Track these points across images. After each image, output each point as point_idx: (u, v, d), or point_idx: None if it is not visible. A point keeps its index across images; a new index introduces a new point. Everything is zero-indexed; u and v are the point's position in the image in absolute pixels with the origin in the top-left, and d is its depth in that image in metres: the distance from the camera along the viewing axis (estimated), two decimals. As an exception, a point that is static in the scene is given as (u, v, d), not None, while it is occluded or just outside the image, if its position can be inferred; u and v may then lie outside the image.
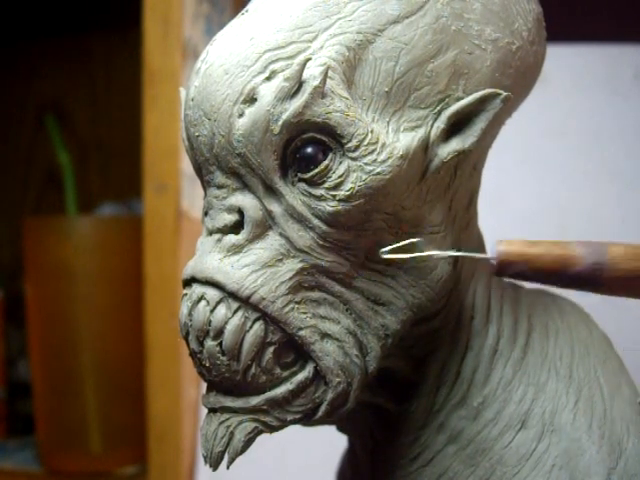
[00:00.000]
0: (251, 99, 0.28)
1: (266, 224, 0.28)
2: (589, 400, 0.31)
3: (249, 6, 0.30)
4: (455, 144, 0.29)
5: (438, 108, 0.29)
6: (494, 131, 0.33)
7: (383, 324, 0.30)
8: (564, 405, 0.31)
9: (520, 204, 0.69)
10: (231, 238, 0.29)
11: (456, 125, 0.29)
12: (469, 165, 0.32)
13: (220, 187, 0.29)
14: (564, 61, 0.71)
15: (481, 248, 0.34)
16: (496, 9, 0.30)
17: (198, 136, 0.29)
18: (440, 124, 0.29)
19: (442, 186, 0.30)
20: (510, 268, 0.25)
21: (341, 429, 0.36)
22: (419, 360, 0.33)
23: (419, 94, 0.29)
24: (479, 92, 0.29)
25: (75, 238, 0.84)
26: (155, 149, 0.71)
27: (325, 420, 0.31)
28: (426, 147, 0.29)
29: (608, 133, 0.72)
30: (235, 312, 0.28)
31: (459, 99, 0.29)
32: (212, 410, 0.30)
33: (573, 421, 0.31)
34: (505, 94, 0.29)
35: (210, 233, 0.29)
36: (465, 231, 0.33)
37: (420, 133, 0.29)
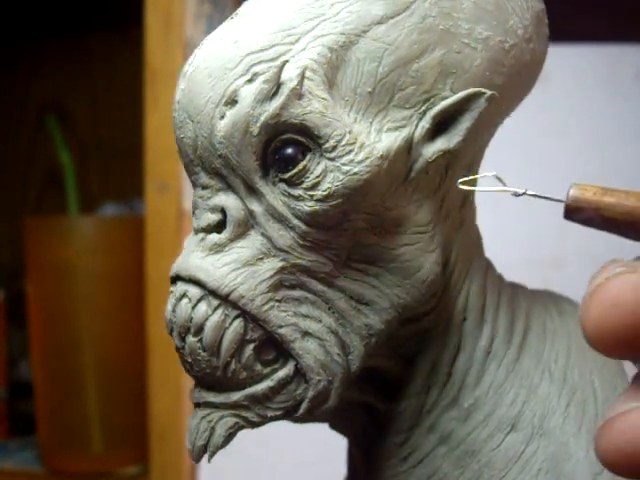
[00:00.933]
0: (232, 101, 0.28)
1: (248, 224, 0.29)
2: (581, 404, 0.31)
3: (239, 9, 0.31)
4: (440, 144, 0.29)
5: (423, 108, 0.29)
6: (491, 130, 0.32)
7: (366, 323, 0.30)
8: (555, 408, 0.31)
9: (520, 204, 0.69)
10: (214, 237, 0.29)
11: (442, 125, 0.29)
12: (462, 165, 0.31)
13: (204, 187, 0.29)
14: (565, 61, 0.71)
15: (479, 247, 0.34)
16: (489, 8, 0.30)
17: (183, 138, 0.30)
18: (425, 124, 0.29)
19: (431, 186, 0.30)
20: (580, 214, 0.24)
21: (334, 427, 0.36)
22: (408, 360, 0.33)
23: (403, 94, 0.29)
24: (464, 91, 0.29)
25: (76, 238, 0.85)
26: (156, 149, 0.71)
27: (310, 418, 0.32)
28: (410, 147, 0.29)
29: (609, 133, 0.72)
30: (215, 309, 0.29)
31: (445, 99, 0.29)
32: (197, 405, 0.30)
33: (562, 425, 0.31)
34: (489, 93, 0.29)
35: (196, 232, 0.30)
36: (459, 230, 0.32)
37: (404, 133, 0.29)
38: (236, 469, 0.73)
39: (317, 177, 0.28)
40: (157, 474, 0.73)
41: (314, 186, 0.28)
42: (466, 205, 0.33)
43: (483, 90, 0.29)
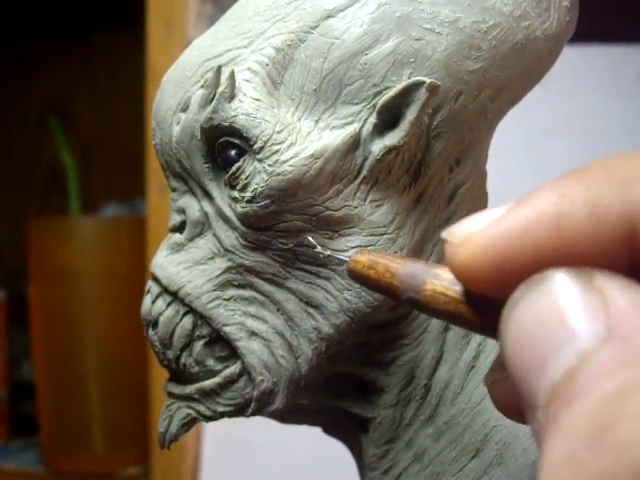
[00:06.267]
0: (186, 108, 0.29)
1: (205, 224, 0.30)
2: None
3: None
4: (387, 140, 0.28)
5: (373, 102, 0.28)
6: (484, 124, 0.31)
7: (315, 327, 0.29)
8: (519, 437, 0.30)
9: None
10: (176, 237, 0.30)
11: (395, 119, 0.28)
12: (444, 161, 0.30)
13: (173, 190, 0.31)
14: (568, 62, 0.70)
15: None
16: None
17: (155, 144, 0.31)
18: (372, 119, 0.28)
19: (396, 185, 0.29)
20: (360, 283, 0.24)
21: (327, 432, 0.35)
22: (384, 367, 0.32)
23: (351, 89, 0.28)
24: (403, 82, 0.27)
25: (78, 239, 0.85)
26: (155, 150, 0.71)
27: (281, 418, 0.32)
28: (357, 144, 0.28)
29: (611, 133, 0.72)
30: (168, 305, 0.30)
31: None
32: (167, 394, 0.32)
33: (519, 456, 0.29)
34: (429, 81, 0.27)
35: (169, 232, 0.31)
36: (444, 227, 0.30)
37: (348, 130, 0.28)
38: (236, 470, 0.73)
39: (247, 178, 0.28)
40: (158, 475, 0.73)
41: (244, 187, 0.28)
42: (453, 202, 0.31)
43: (422, 79, 0.27)
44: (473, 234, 0.19)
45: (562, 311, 0.16)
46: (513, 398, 0.17)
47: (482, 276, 0.18)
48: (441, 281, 0.20)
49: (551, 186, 0.18)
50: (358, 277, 0.23)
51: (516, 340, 0.17)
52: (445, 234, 0.19)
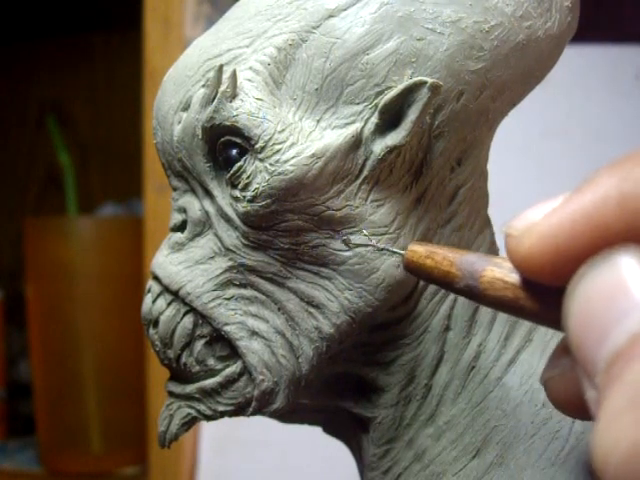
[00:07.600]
0: (187, 107, 0.29)
1: (205, 224, 0.30)
2: (549, 436, 0.29)
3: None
4: (389, 140, 0.28)
5: (375, 102, 0.28)
6: (485, 124, 0.31)
7: (316, 327, 0.29)
8: (520, 437, 0.30)
9: (521, 204, 0.69)
10: (177, 236, 0.30)
11: (396, 119, 0.28)
12: (445, 161, 0.30)
13: (175, 189, 0.31)
14: (566, 62, 0.71)
15: (479, 248, 0.32)
16: None
17: (156, 144, 0.31)
18: (374, 119, 0.28)
19: (398, 185, 0.29)
20: (414, 273, 0.24)
21: (328, 432, 0.35)
22: (385, 365, 0.32)
23: (353, 89, 0.28)
24: (405, 82, 0.27)
25: (76, 238, 0.85)
26: (155, 150, 0.71)
27: (280, 418, 0.32)
28: (359, 144, 0.28)
29: (609, 133, 0.72)
30: (169, 304, 0.30)
31: None
32: (167, 393, 0.32)
33: (520, 457, 0.29)
34: (431, 81, 0.27)
35: (169, 231, 0.31)
36: (444, 228, 0.31)
37: (350, 130, 0.28)
38: (234, 470, 0.73)
39: (248, 178, 0.28)
40: (156, 475, 0.73)
41: (246, 187, 0.28)
42: (454, 202, 0.31)
43: (424, 79, 0.27)
44: (534, 224, 0.19)
45: (627, 283, 0.17)
46: (570, 392, 0.18)
47: (545, 265, 0.19)
48: (501, 268, 0.21)
49: (609, 171, 0.19)
50: (414, 267, 0.24)
51: (580, 311, 0.17)
52: (505, 227, 0.20)
